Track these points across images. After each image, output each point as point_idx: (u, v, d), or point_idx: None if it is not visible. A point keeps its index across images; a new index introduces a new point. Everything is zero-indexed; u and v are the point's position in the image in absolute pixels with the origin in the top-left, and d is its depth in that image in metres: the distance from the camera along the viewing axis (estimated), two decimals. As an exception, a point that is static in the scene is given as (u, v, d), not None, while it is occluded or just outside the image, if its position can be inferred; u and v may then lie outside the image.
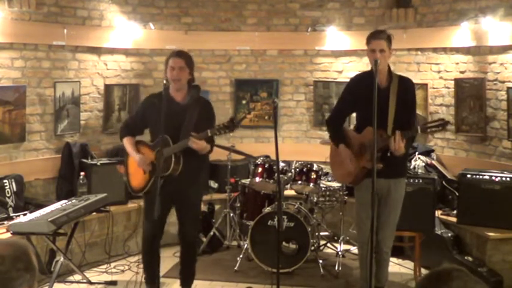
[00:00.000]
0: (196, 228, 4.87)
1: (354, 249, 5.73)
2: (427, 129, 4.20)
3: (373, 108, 3.85)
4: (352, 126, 4.97)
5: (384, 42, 4.25)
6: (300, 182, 5.71)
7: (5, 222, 4.96)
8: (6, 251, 1.74)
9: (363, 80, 4.45)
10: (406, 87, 4.40)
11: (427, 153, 6.22)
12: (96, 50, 6.36)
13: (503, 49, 5.52)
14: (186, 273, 4.74)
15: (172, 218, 4.86)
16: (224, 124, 4.23)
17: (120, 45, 6.54)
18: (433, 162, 6.08)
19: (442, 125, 4.12)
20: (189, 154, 4.35)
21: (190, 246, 4.73)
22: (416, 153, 6.14)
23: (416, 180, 5.20)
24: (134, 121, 4.71)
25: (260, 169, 5.67)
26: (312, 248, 5.48)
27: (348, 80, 4.81)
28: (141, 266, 4.73)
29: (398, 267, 5.67)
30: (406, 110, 4.34)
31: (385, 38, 4.27)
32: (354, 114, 4.75)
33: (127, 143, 4.62)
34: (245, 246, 5.61)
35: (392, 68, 4.54)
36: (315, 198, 5.89)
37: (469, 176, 5.27)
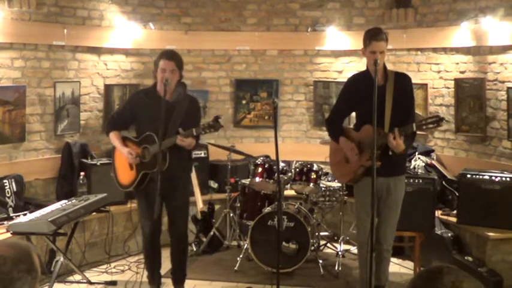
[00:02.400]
0: (186, 225, 4.85)
1: (354, 249, 5.73)
2: (422, 126, 4.16)
3: (373, 107, 3.86)
4: (352, 126, 4.97)
5: (384, 43, 4.26)
6: (299, 182, 5.71)
7: (5, 222, 4.96)
8: (9, 252, 1.74)
9: (358, 80, 4.48)
10: (403, 84, 4.40)
11: (427, 153, 6.22)
12: (96, 50, 6.36)
13: (503, 49, 5.52)
14: (178, 271, 4.76)
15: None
16: (209, 123, 4.33)
17: (120, 45, 6.54)
18: (433, 162, 6.08)
19: (437, 121, 4.08)
20: (175, 151, 4.40)
21: (181, 243, 4.75)
22: (416, 153, 6.14)
23: (416, 180, 5.21)
24: (121, 116, 4.72)
25: (260, 169, 5.67)
26: (312, 248, 5.48)
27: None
28: (142, 265, 4.73)
29: (398, 267, 5.68)
30: (403, 106, 4.33)
31: (385, 39, 4.27)
32: (354, 114, 4.75)
33: (114, 137, 4.65)
34: (245, 246, 5.61)
35: (392, 68, 4.54)
36: (315, 198, 5.90)
37: (469, 176, 5.26)
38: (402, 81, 4.41)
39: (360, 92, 4.29)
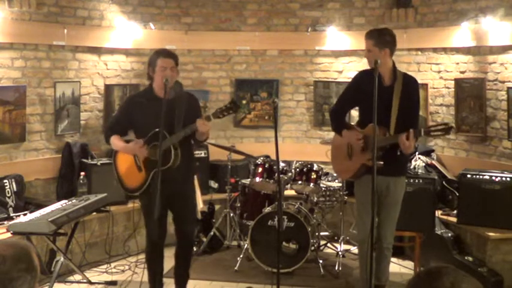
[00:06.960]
0: (194, 225, 4.83)
1: (354, 249, 5.73)
2: (430, 132, 4.17)
3: (373, 107, 3.85)
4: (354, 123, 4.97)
5: (368, 41, 4.32)
6: (300, 182, 5.71)
7: (5, 222, 4.96)
8: (8, 251, 1.75)
9: (366, 77, 4.45)
10: (410, 86, 4.40)
11: (427, 153, 6.22)
12: (96, 50, 6.36)
13: (503, 49, 5.52)
14: (183, 273, 4.73)
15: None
16: (226, 106, 4.27)
17: (120, 45, 6.54)
18: (433, 162, 6.08)
19: (446, 129, 4.09)
20: (183, 151, 4.35)
21: (189, 245, 4.73)
22: (417, 153, 6.14)
23: (417, 180, 5.21)
24: (119, 122, 4.60)
25: (260, 169, 5.67)
26: (312, 248, 5.48)
27: (349, 79, 4.83)
28: (142, 266, 4.72)
29: (398, 267, 5.68)
30: (409, 109, 4.33)
31: (372, 38, 4.31)
32: (354, 113, 4.75)
33: (116, 140, 4.50)
34: (245, 246, 5.61)
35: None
36: (315, 198, 5.90)
37: (469, 176, 5.26)
38: (410, 84, 4.41)
39: (365, 89, 4.26)
